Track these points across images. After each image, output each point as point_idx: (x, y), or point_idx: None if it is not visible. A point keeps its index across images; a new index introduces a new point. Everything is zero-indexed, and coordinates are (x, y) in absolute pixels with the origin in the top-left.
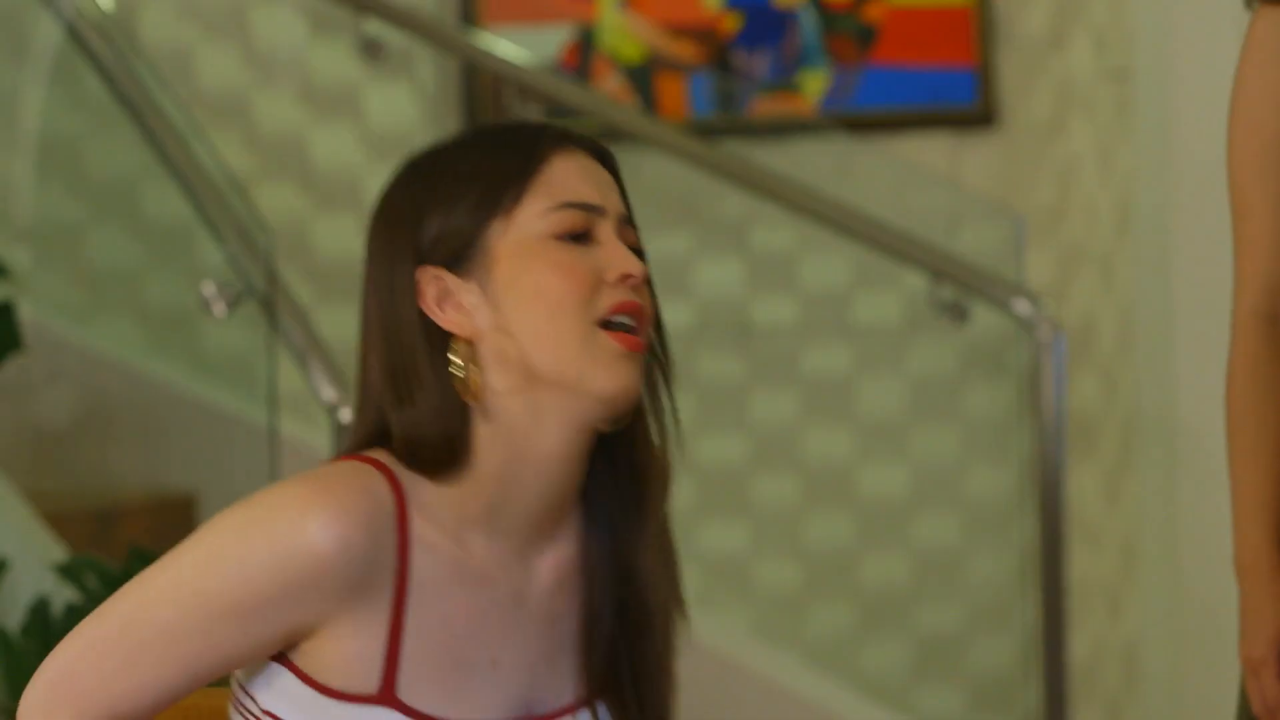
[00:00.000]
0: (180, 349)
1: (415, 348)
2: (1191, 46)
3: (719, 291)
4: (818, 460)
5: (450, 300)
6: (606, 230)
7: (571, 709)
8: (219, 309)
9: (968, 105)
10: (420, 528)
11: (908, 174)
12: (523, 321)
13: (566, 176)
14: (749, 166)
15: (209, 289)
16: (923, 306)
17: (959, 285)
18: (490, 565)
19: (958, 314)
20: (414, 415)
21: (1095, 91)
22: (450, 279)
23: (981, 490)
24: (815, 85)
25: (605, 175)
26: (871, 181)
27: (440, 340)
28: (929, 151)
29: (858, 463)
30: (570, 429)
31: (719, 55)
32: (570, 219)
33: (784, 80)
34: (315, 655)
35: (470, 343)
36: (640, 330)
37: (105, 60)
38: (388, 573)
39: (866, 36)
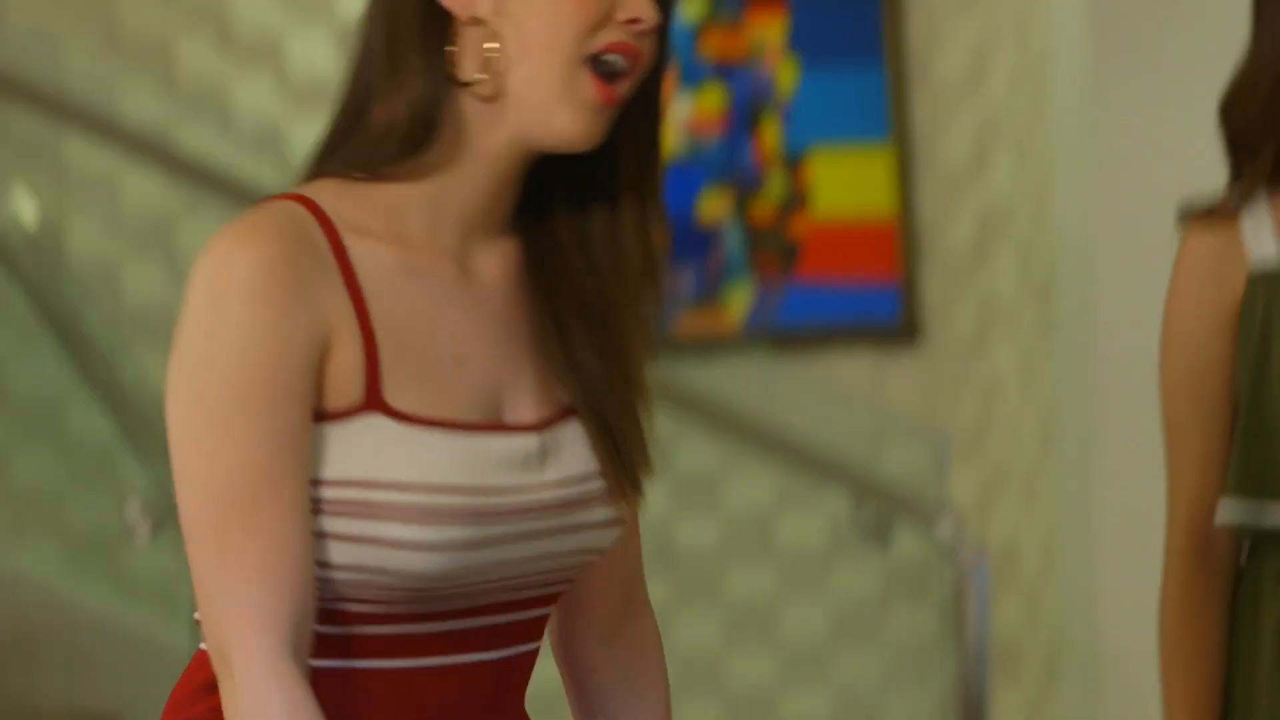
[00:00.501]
0: (103, 572)
1: (410, 20)
2: (1114, 264)
3: (641, 512)
4: (741, 686)
5: None
6: None
7: (540, 425)
8: (142, 534)
9: (891, 321)
10: (348, 231)
11: (831, 392)
12: (522, 24)
13: None
14: (672, 384)
15: (133, 510)
16: (846, 528)
17: (882, 507)
18: (436, 260)
19: (881, 536)
20: (395, 97)
21: (1018, 308)
22: None
23: (905, 717)
24: (739, 302)
25: None
26: (795, 399)
27: (436, 17)
28: (853, 368)
29: (781, 687)
30: (519, 144)
31: None
32: None
33: (708, 297)
34: (326, 385)
35: (467, 24)
36: (628, 76)
37: (31, 277)
38: (332, 269)
39: (790, 253)
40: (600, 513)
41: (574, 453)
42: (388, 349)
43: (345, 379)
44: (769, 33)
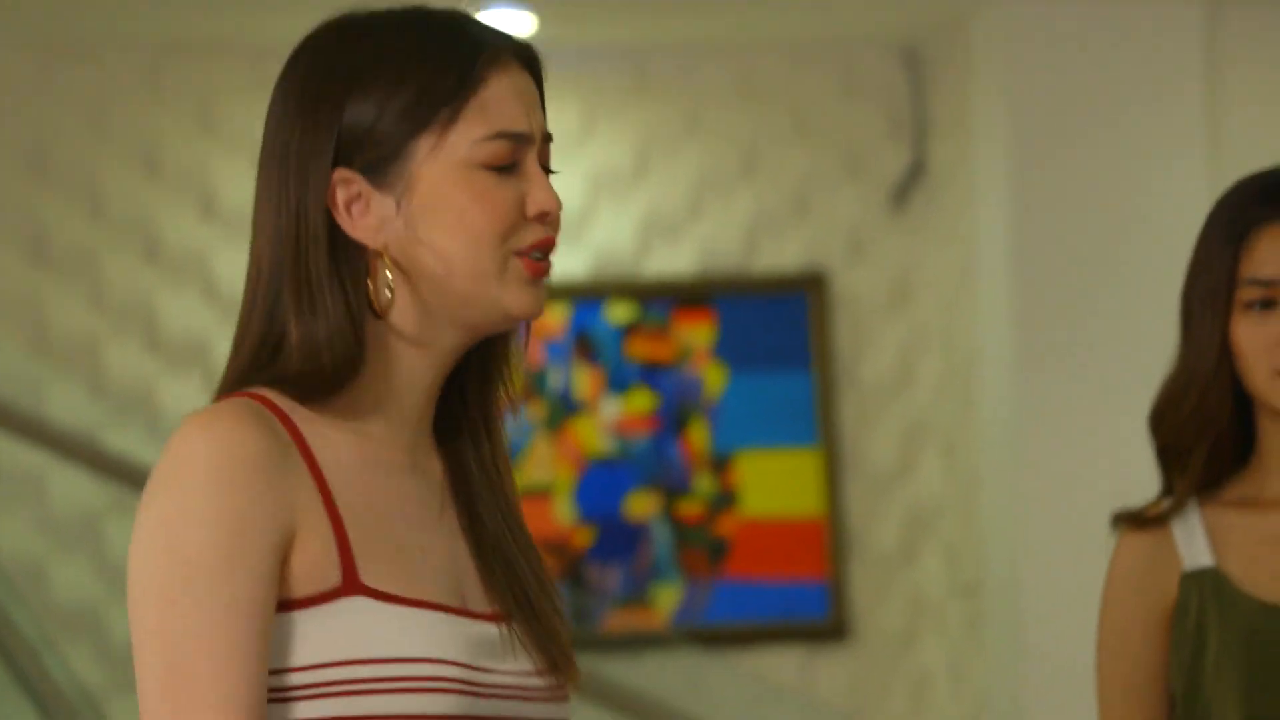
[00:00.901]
0: None
1: (320, 254)
2: (1041, 562)
3: None
4: None
5: (360, 207)
6: (531, 158)
7: (495, 618)
8: None
9: (819, 619)
10: (307, 426)
11: (761, 688)
12: (440, 245)
13: (502, 98)
14: (601, 681)
15: None
16: None
17: None
18: (392, 451)
19: None
20: (314, 329)
21: (946, 606)
22: (363, 186)
23: None
24: (667, 599)
25: (533, 90)
26: (725, 695)
27: (344, 248)
28: (781, 664)
29: None
30: (464, 332)
31: (572, 569)
32: (500, 149)
33: (636, 594)
34: (293, 574)
35: (379, 255)
36: (547, 258)
37: None
38: (296, 457)
39: (719, 550)
40: (548, 709)
41: (519, 649)
42: (357, 535)
43: (316, 566)
44: (697, 336)
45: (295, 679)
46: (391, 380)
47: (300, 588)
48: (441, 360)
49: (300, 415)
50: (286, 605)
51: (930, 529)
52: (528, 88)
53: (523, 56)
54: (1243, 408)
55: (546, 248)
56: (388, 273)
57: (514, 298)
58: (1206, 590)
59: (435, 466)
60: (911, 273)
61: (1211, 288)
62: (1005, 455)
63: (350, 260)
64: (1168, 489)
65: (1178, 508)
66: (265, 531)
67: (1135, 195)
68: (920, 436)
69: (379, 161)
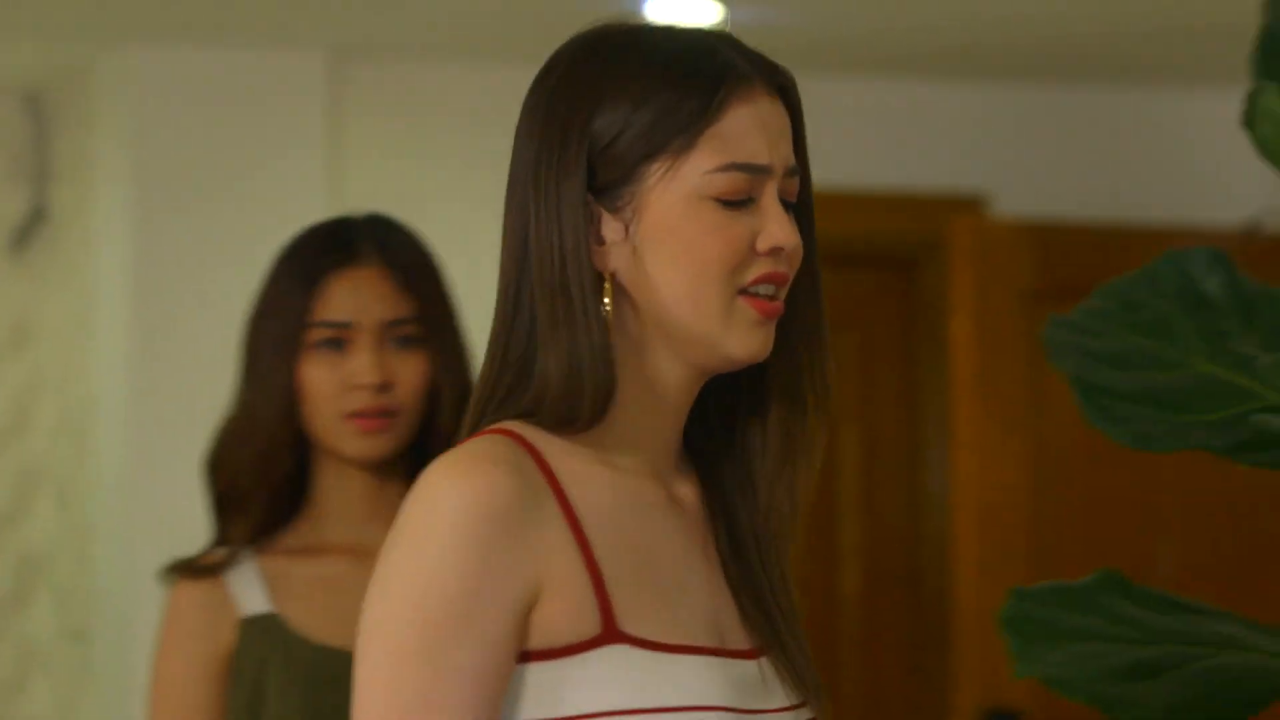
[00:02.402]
0: None
1: (584, 275)
2: (152, 608)
3: None
4: None
5: (593, 231)
6: (769, 192)
7: (753, 654)
8: None
9: None
10: (561, 464)
11: None
12: (664, 276)
13: (743, 129)
14: None
15: None
16: None
17: None
18: (648, 485)
19: None
20: (577, 351)
21: (56, 651)
22: (596, 208)
23: None
24: None
25: (782, 119)
26: None
27: (592, 275)
28: None
29: None
30: (688, 370)
31: None
32: (735, 182)
33: None
34: (544, 626)
35: (606, 279)
36: (779, 295)
37: None
38: (550, 504)
39: None
40: None
41: (781, 684)
42: (616, 579)
43: (573, 615)
44: None
45: None
46: (636, 409)
47: (551, 638)
48: (678, 398)
49: (554, 450)
50: (543, 655)
51: (41, 574)
52: (774, 117)
53: (775, 83)
54: (301, 453)
55: (776, 282)
56: (607, 300)
57: (738, 340)
58: (265, 636)
59: (689, 494)
60: (30, 317)
61: (281, 331)
62: (118, 502)
63: (595, 288)
64: (223, 537)
65: (234, 556)
66: (506, 591)
67: (257, 243)
68: (33, 482)
69: (611, 184)
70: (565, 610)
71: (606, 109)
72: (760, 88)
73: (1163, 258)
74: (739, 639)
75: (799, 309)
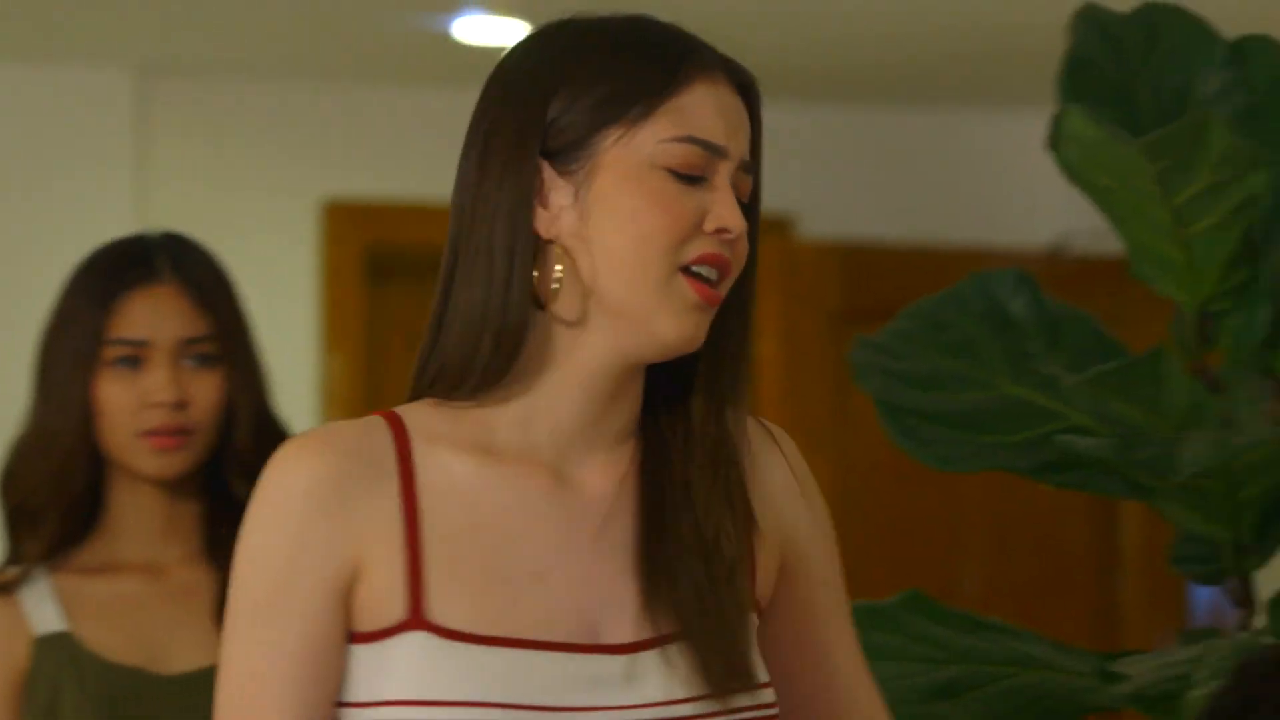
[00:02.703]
0: None
1: (502, 230)
2: None
3: None
4: None
5: (541, 195)
6: (722, 175)
7: (640, 646)
8: None
9: None
10: (428, 447)
11: None
12: (607, 241)
13: (702, 107)
14: None
15: None
16: None
17: None
18: (526, 471)
19: None
20: (474, 298)
21: None
22: (549, 172)
23: None
24: None
25: (741, 113)
26: None
27: (528, 239)
28: None
29: None
30: (615, 356)
31: None
32: (689, 155)
33: None
34: (361, 608)
35: (550, 243)
36: (720, 284)
37: None
38: (389, 487)
39: None
40: None
41: (666, 678)
42: (440, 563)
43: (384, 598)
44: None
45: (352, 715)
46: (545, 385)
47: (366, 621)
48: (593, 385)
49: (432, 432)
50: (361, 637)
51: None
52: (735, 109)
53: (737, 80)
54: (96, 470)
55: (717, 265)
56: (558, 265)
57: (669, 321)
58: (59, 655)
59: (600, 480)
60: None
61: (77, 348)
62: None
63: (526, 253)
64: (15, 555)
65: (27, 573)
66: (322, 568)
67: (61, 260)
68: None
69: (565, 147)
70: (377, 593)
71: (568, 78)
72: (723, 78)
73: (968, 279)
74: (623, 631)
75: (728, 324)
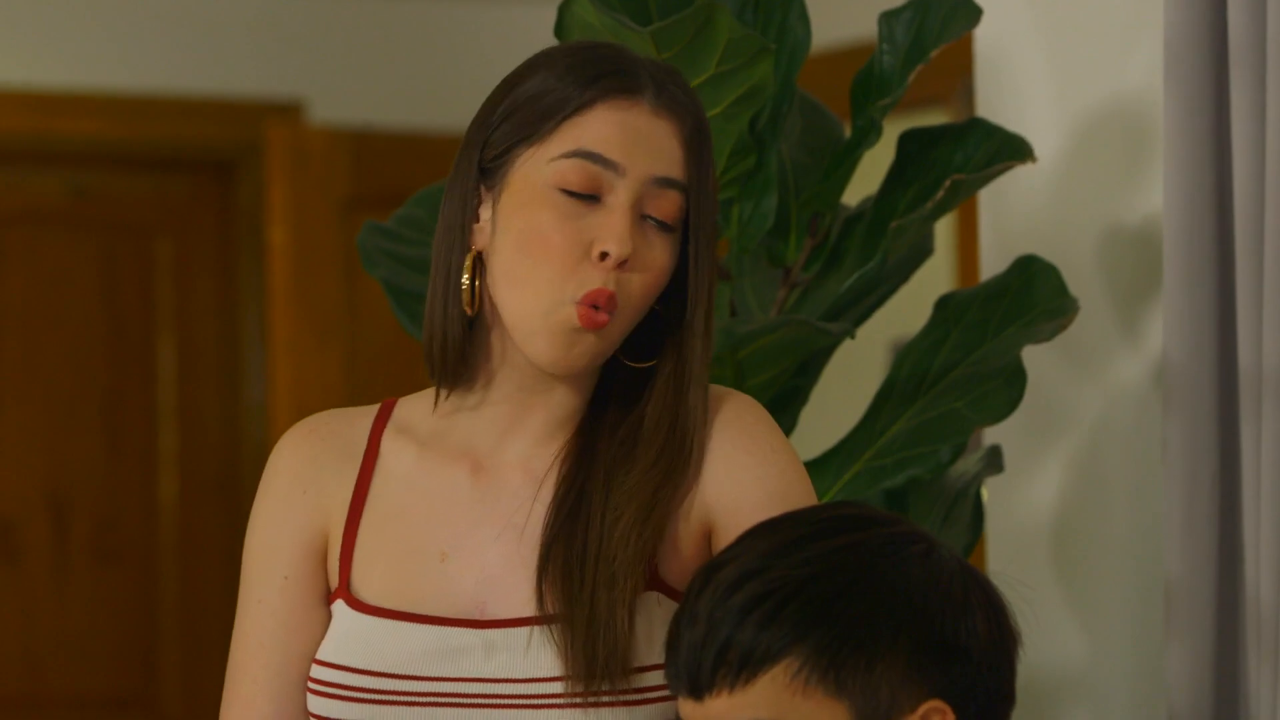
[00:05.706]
0: None
1: (452, 255)
2: None
3: None
4: None
5: (476, 210)
6: (619, 194)
7: (517, 623)
8: None
9: None
10: (397, 436)
11: None
12: (502, 260)
13: (602, 125)
14: None
15: None
16: None
17: None
18: (452, 460)
19: None
20: (433, 326)
21: None
22: (481, 188)
23: None
24: None
25: (660, 136)
26: None
27: (461, 248)
28: None
29: None
30: (525, 361)
31: None
32: (579, 171)
33: None
34: (330, 571)
35: (478, 255)
36: (609, 310)
37: None
38: (351, 471)
39: None
40: (559, 716)
41: (532, 656)
42: (369, 541)
43: (332, 567)
44: None
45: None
46: (483, 382)
47: (331, 583)
48: (523, 381)
49: (411, 422)
50: (329, 598)
51: None
52: (653, 132)
53: (676, 110)
54: None
55: (601, 304)
56: (466, 275)
57: (545, 345)
58: None
59: (520, 470)
60: None
61: None
62: None
63: (459, 257)
64: None
65: None
66: (298, 534)
67: None
68: None
69: (491, 164)
70: (330, 562)
71: (509, 99)
72: (647, 103)
73: None
74: (508, 610)
75: (686, 335)
